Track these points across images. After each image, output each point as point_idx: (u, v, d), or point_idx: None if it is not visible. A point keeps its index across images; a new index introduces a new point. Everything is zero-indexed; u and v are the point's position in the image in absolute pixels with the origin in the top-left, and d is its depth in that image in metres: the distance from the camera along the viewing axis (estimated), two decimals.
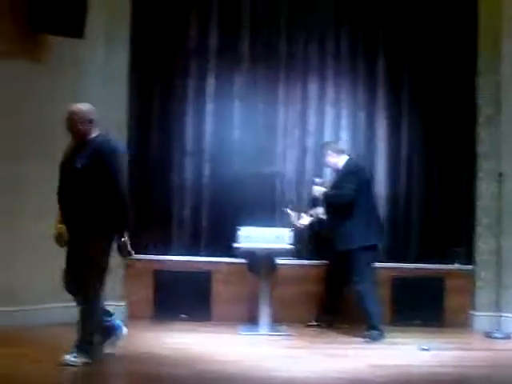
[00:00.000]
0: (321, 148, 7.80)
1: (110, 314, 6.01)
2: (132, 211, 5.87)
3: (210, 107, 8.25)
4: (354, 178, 7.21)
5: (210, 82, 8.25)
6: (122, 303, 7.66)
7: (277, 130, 8.33)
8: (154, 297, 7.82)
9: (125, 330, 6.08)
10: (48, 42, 7.17)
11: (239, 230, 7.26)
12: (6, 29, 6.95)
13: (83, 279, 5.59)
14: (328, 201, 7.37)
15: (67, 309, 6.23)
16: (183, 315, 7.73)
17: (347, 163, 7.43)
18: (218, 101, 8.26)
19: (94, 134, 5.74)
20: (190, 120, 8.25)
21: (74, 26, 6.99)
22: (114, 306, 7.42)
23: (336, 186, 7.36)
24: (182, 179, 8.20)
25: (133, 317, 7.63)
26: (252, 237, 7.26)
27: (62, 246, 5.72)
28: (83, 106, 5.77)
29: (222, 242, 7.77)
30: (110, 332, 5.94)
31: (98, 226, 5.58)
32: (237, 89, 8.28)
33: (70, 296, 5.72)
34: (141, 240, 7.99)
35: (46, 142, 7.05)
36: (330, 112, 8.34)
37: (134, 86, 8.00)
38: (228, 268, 7.89)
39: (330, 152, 7.50)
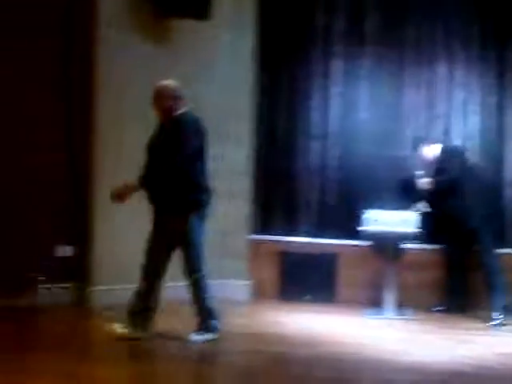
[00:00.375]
0: (413, 145, 7.72)
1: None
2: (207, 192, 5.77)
3: (335, 90, 8.22)
4: (455, 160, 7.36)
5: (336, 65, 8.22)
6: (248, 282, 7.78)
7: (403, 114, 8.20)
8: (279, 277, 7.90)
9: None
10: (175, 25, 7.31)
11: (365, 212, 7.23)
12: (135, 14, 7.14)
13: (184, 259, 5.71)
14: (440, 187, 7.31)
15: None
16: (307, 296, 7.78)
17: (443, 149, 7.51)
18: (344, 84, 8.22)
19: (180, 111, 5.72)
20: (315, 103, 8.25)
21: (199, 8, 7.09)
22: (240, 284, 7.61)
23: (441, 172, 7.34)
24: (308, 162, 8.22)
25: (258, 296, 7.75)
26: (378, 220, 7.21)
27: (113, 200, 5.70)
28: (169, 83, 5.77)
29: (348, 225, 7.73)
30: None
31: (183, 203, 5.61)
32: (363, 72, 8.20)
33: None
34: (268, 222, 8.12)
35: None
36: (458, 97, 8.14)
37: (260, 69, 8.06)
38: (354, 251, 7.85)
39: (423, 145, 7.57)
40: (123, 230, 7.01)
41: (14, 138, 6.67)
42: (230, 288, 7.56)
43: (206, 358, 5.53)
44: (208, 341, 5.67)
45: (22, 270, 6.59)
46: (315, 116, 8.24)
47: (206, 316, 5.72)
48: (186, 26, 7.32)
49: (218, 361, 5.49)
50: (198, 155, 5.66)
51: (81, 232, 7.01)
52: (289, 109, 8.27)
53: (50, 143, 6.85)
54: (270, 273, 7.88)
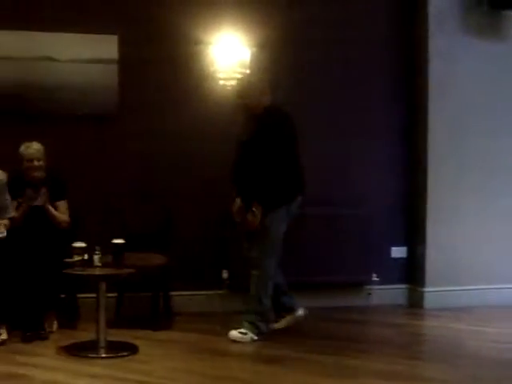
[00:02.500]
0: None
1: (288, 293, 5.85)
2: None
3: None
4: None
5: None
6: None
7: None
8: None
9: (301, 311, 5.83)
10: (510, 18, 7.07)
11: None
12: (467, 10, 7.01)
13: (257, 252, 5.54)
14: None
15: None
16: None
17: None
18: None
19: (264, 105, 5.54)
20: None
21: None
22: None
23: None
24: None
25: None
26: None
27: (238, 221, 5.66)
28: (251, 77, 5.66)
29: None
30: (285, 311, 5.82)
31: (268, 198, 5.43)
32: None
33: None
34: None
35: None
36: None
37: None
38: None
39: None
40: (456, 232, 6.96)
41: (354, 132, 6.94)
42: None
43: None
44: (247, 341, 5.47)
45: (357, 269, 6.80)
46: None
47: (256, 316, 5.53)
48: None
49: None
50: (283, 149, 5.47)
51: (415, 233, 7.08)
52: None
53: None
54: None
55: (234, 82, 6.48)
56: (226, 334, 5.55)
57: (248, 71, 6.47)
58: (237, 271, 6.45)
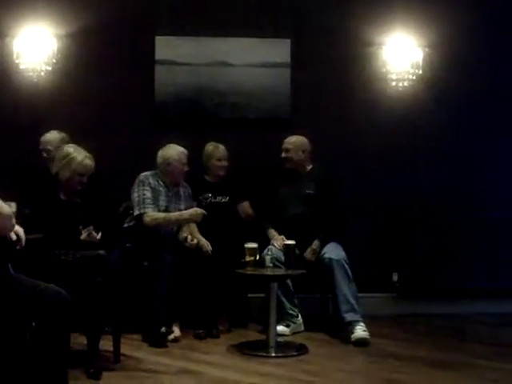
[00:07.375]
0: None
1: None
2: None
3: None
4: None
5: None
6: None
7: None
8: None
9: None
10: None
11: None
12: None
13: None
14: None
15: None
16: None
17: None
18: None
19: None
20: None
21: None
22: None
23: None
24: None
25: None
26: None
27: None
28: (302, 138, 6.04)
29: None
30: None
31: None
32: None
33: None
34: None
35: None
36: None
37: None
38: None
39: None
40: None
41: None
42: None
43: None
44: None
45: None
46: None
47: None
48: None
49: None
50: None
51: None
52: None
53: None
54: None
55: (406, 84, 6.44)
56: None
57: (420, 72, 6.44)
58: (407, 274, 6.42)
